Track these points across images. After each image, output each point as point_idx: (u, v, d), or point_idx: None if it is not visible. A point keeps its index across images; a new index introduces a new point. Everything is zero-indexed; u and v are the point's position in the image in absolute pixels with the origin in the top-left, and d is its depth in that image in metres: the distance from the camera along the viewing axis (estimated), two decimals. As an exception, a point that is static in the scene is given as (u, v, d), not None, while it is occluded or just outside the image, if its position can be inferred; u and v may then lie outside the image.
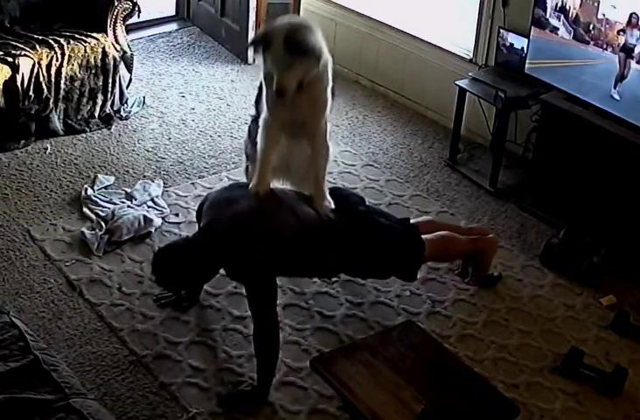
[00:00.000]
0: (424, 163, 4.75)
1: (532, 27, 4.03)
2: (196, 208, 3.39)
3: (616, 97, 3.70)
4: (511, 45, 4.39)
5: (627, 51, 3.59)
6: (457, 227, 3.82)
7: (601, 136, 3.84)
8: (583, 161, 3.97)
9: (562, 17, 3.85)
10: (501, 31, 4.45)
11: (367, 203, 3.55)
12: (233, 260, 3.03)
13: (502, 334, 3.50)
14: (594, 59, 3.77)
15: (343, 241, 3.21)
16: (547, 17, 3.92)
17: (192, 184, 4.36)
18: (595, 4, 3.68)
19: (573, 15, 3.80)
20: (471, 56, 4.83)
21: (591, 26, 3.73)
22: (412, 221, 3.57)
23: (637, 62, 3.58)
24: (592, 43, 3.74)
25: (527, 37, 4.15)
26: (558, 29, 3.90)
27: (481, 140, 4.88)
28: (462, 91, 4.52)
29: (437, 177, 4.62)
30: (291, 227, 3.08)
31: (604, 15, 3.66)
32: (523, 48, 4.24)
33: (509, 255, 3.97)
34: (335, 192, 3.46)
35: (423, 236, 3.42)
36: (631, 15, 3.54)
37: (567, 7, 3.82)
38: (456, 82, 4.53)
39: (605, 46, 3.69)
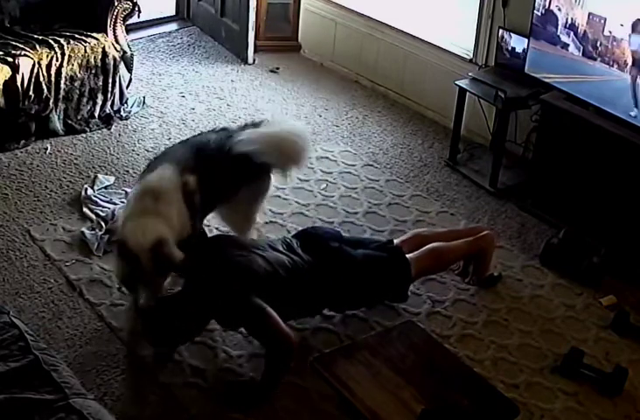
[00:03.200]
0: (424, 163, 4.75)
1: (543, 42, 4.03)
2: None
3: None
4: (513, 48, 4.39)
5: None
6: (451, 233, 3.78)
7: (601, 136, 3.84)
8: (583, 161, 3.97)
9: (572, 34, 3.85)
10: (501, 31, 4.45)
11: (343, 236, 3.52)
12: (222, 311, 3.05)
13: (502, 334, 3.50)
14: (602, 75, 3.76)
15: (320, 281, 3.21)
16: (558, 33, 3.92)
17: (192, 184, 4.35)
18: (602, 22, 3.69)
19: (582, 32, 3.80)
20: (471, 56, 4.83)
21: (598, 43, 3.73)
22: (396, 241, 3.55)
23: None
24: (599, 59, 3.74)
25: (527, 37, 4.15)
26: (568, 45, 3.89)
27: (481, 140, 4.88)
28: (462, 91, 4.52)
29: (437, 177, 4.62)
30: (266, 272, 3.08)
31: (610, 32, 3.67)
32: (523, 49, 4.25)
33: (509, 255, 3.97)
34: (307, 232, 3.47)
35: (408, 255, 3.41)
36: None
37: (576, 24, 3.82)
38: (456, 82, 4.53)
39: (612, 63, 3.69)
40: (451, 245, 3.57)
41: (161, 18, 6.30)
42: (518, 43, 4.35)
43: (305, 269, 3.21)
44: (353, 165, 4.65)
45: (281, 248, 3.27)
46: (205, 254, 3.12)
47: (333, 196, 4.35)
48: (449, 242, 3.58)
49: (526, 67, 4.17)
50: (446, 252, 3.55)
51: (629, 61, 3.61)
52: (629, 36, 3.58)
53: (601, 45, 3.72)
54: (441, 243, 3.54)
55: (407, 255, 3.41)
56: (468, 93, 4.52)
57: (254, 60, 5.80)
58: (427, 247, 3.49)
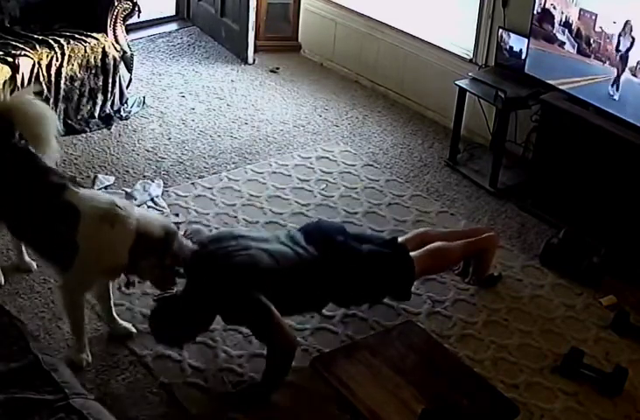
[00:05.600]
0: (424, 163, 4.75)
1: (542, 41, 4.04)
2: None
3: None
4: (512, 48, 4.39)
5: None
6: (453, 233, 3.79)
7: (601, 136, 3.84)
8: (583, 161, 3.97)
9: (567, 32, 3.86)
10: (501, 31, 4.45)
11: (348, 231, 3.50)
12: (227, 308, 3.05)
13: (502, 334, 3.50)
14: (601, 74, 3.77)
15: (325, 274, 3.20)
16: (554, 31, 3.93)
17: (192, 184, 4.36)
18: (593, 17, 3.71)
19: (575, 29, 3.82)
20: (471, 56, 4.83)
21: (591, 40, 3.75)
22: (400, 239, 3.55)
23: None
24: (593, 56, 3.75)
25: (527, 37, 4.15)
26: (564, 43, 3.90)
27: (481, 140, 4.88)
28: (462, 91, 4.52)
29: (437, 177, 4.62)
30: (271, 267, 3.07)
31: (602, 28, 3.68)
32: (523, 49, 4.25)
33: (509, 255, 3.97)
34: (313, 226, 3.47)
35: (412, 253, 3.40)
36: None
37: (570, 21, 3.83)
38: (456, 82, 4.53)
39: (604, 60, 3.71)
40: (454, 245, 3.57)
41: (161, 18, 6.30)
42: (517, 43, 4.35)
43: (310, 261, 3.19)
44: (353, 165, 4.65)
45: (285, 241, 3.25)
46: (207, 251, 3.11)
47: (333, 196, 4.35)
48: (452, 242, 3.58)
49: (526, 67, 4.18)
50: (448, 252, 3.54)
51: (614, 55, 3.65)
52: (619, 35, 3.61)
53: (594, 41, 3.73)
54: (443, 243, 3.54)
55: (411, 254, 3.41)
56: (468, 93, 4.52)
57: (254, 60, 5.80)
58: (429, 246, 3.49)
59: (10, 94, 3.27)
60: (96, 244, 2.93)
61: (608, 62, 3.71)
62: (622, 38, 3.60)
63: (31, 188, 3.07)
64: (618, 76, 3.67)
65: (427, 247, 3.48)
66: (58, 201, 2.99)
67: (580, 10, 3.78)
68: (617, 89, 3.69)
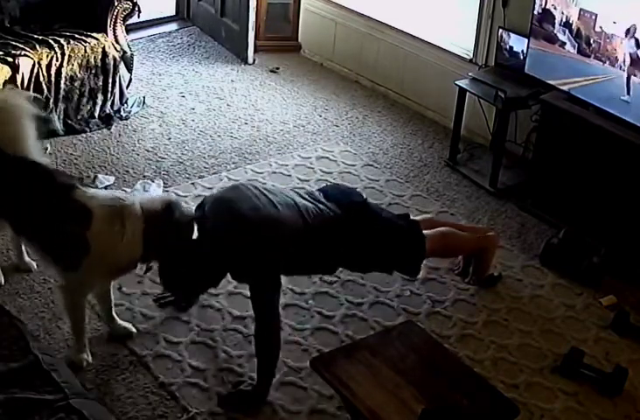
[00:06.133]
0: (424, 163, 4.75)
1: (543, 41, 4.03)
2: (194, 210, 3.37)
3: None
4: (512, 48, 4.39)
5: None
6: (458, 225, 3.82)
7: (601, 136, 3.84)
8: (583, 161, 3.97)
9: (567, 32, 3.86)
10: (501, 31, 4.45)
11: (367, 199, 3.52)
12: (238, 259, 3.00)
13: (502, 334, 3.50)
14: (601, 75, 3.78)
15: (344, 232, 3.19)
16: (555, 31, 3.93)
17: (192, 184, 4.36)
18: (593, 17, 3.71)
19: (576, 29, 3.82)
20: (471, 56, 4.83)
21: (591, 40, 3.75)
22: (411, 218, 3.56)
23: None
24: (593, 56, 3.75)
25: (527, 37, 4.15)
26: (565, 43, 3.90)
27: (481, 140, 4.88)
28: (462, 91, 4.52)
29: (437, 177, 4.62)
30: (294, 223, 3.06)
31: (602, 28, 3.68)
32: (523, 49, 4.25)
33: (509, 255, 3.97)
34: (331, 186, 3.47)
35: (424, 232, 3.42)
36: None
37: (571, 21, 3.83)
38: (456, 82, 4.53)
39: (605, 60, 3.70)
40: (462, 234, 3.60)
41: (161, 18, 6.30)
42: (517, 43, 4.35)
43: (332, 217, 3.18)
44: (353, 165, 4.65)
45: (307, 197, 3.24)
46: (228, 198, 3.09)
47: (333, 196, 4.35)
48: (460, 231, 3.60)
49: (526, 67, 4.18)
50: (456, 238, 3.57)
51: (622, 58, 3.63)
52: (623, 40, 3.60)
53: (594, 41, 3.74)
54: (452, 229, 3.56)
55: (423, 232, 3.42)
56: (468, 93, 4.52)
57: (254, 60, 5.80)
58: (439, 229, 3.52)
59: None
60: (110, 242, 2.94)
61: (608, 62, 3.71)
62: (629, 41, 3.59)
63: (40, 189, 3.07)
64: (628, 79, 3.66)
65: (438, 229, 3.50)
66: (68, 201, 2.99)
67: (581, 10, 3.78)
68: (629, 92, 3.68)
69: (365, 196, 3.52)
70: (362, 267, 3.42)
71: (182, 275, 3.01)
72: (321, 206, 3.20)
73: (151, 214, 2.97)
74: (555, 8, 3.90)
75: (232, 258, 3.00)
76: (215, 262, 3.00)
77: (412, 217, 3.58)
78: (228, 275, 3.15)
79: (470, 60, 4.83)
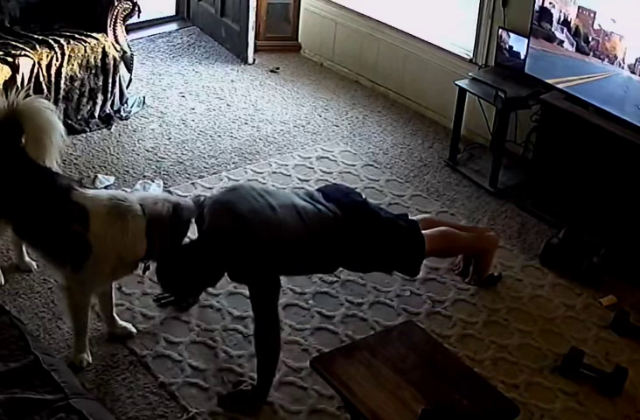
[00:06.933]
0: (424, 163, 4.75)
1: (541, 40, 4.03)
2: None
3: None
4: (512, 48, 4.39)
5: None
6: (457, 225, 3.82)
7: (601, 136, 3.84)
8: (583, 161, 3.97)
9: (565, 30, 3.86)
10: (501, 31, 4.45)
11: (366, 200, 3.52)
12: (237, 261, 3.00)
13: (502, 334, 3.50)
14: (600, 73, 3.77)
15: (344, 232, 3.19)
16: (553, 30, 3.93)
17: (192, 184, 4.36)
18: (592, 15, 3.71)
19: (574, 27, 3.82)
20: (471, 56, 4.83)
21: (590, 38, 3.75)
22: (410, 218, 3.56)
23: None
24: (592, 54, 3.76)
25: (527, 37, 4.15)
26: (563, 42, 3.91)
27: (481, 140, 4.88)
28: (462, 91, 4.52)
29: (437, 177, 4.62)
30: (292, 225, 3.06)
31: (600, 26, 3.69)
32: (523, 49, 4.24)
33: (509, 255, 3.97)
34: (332, 187, 3.47)
35: (423, 231, 3.41)
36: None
37: (569, 19, 3.83)
38: (456, 82, 4.53)
39: (603, 57, 3.71)
40: (461, 233, 3.60)
41: (161, 18, 6.30)
42: (517, 43, 4.35)
43: (332, 217, 3.18)
44: (353, 165, 4.65)
45: (305, 197, 3.24)
46: (227, 199, 3.08)
47: (333, 196, 4.35)
48: (459, 231, 3.60)
49: (526, 67, 4.18)
50: (456, 238, 3.57)
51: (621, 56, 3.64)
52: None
53: (592, 39, 3.74)
54: (451, 229, 3.56)
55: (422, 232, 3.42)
56: (468, 93, 4.52)
57: (254, 60, 5.80)
58: (440, 227, 3.52)
59: (16, 96, 3.26)
60: (111, 242, 2.95)
61: (607, 60, 3.71)
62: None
63: (39, 191, 3.08)
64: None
65: (437, 228, 3.50)
66: (66, 203, 3.00)
67: (579, 7, 3.77)
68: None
69: (364, 196, 3.52)
70: (362, 267, 3.42)
71: (179, 274, 3.00)
72: (320, 206, 3.20)
73: (153, 213, 2.97)
74: (554, 6, 3.90)
75: (230, 259, 2.99)
76: (213, 262, 3.00)
77: (411, 217, 3.58)
78: (226, 275, 3.15)
79: (470, 60, 4.83)
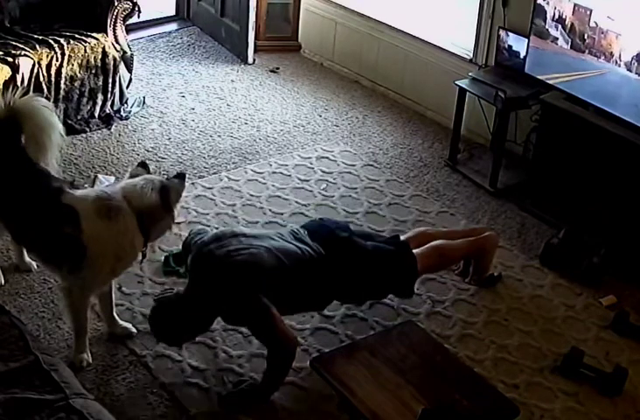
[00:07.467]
0: (424, 163, 4.75)
1: (534, 37, 4.04)
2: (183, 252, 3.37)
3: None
4: (511, 48, 4.39)
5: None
6: (453, 232, 3.80)
7: (601, 136, 3.84)
8: (583, 161, 3.97)
9: (560, 27, 3.87)
10: (501, 31, 4.45)
11: (351, 228, 3.49)
12: (224, 306, 3.02)
13: (502, 334, 3.50)
14: (596, 69, 3.77)
15: (330, 271, 3.19)
16: (547, 27, 3.93)
17: (192, 184, 4.35)
18: (588, 13, 3.71)
19: (569, 24, 3.82)
20: (471, 56, 4.83)
21: (585, 35, 3.75)
22: (402, 237, 3.54)
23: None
24: (587, 52, 3.76)
25: (527, 37, 4.16)
26: (557, 39, 3.91)
27: (481, 140, 4.88)
28: (462, 91, 4.52)
29: (437, 177, 4.62)
30: (272, 266, 3.05)
31: (596, 23, 3.69)
32: (523, 49, 4.25)
33: (509, 255, 3.97)
34: (317, 223, 3.46)
35: (414, 251, 3.40)
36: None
37: (564, 16, 3.84)
38: (456, 82, 4.53)
39: (599, 55, 3.71)
40: (454, 243, 3.57)
41: (161, 18, 6.30)
42: (517, 43, 4.35)
43: (315, 258, 3.18)
44: (353, 165, 4.65)
45: (288, 238, 3.23)
46: (208, 250, 3.08)
47: (333, 196, 4.35)
48: (452, 241, 3.58)
49: (526, 67, 4.18)
50: (449, 250, 3.55)
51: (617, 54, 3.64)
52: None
53: (588, 37, 3.74)
54: (444, 241, 3.54)
55: (413, 251, 3.41)
56: (468, 93, 4.52)
57: (254, 60, 5.80)
58: (431, 244, 3.49)
59: (13, 95, 3.25)
60: (107, 242, 2.94)
61: (602, 57, 3.70)
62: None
63: (31, 194, 3.07)
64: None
65: (429, 244, 3.48)
66: (56, 205, 2.99)
67: (575, 5, 3.77)
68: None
69: (350, 228, 3.47)
70: (355, 299, 3.43)
71: (172, 326, 3.02)
72: (303, 246, 3.19)
73: (141, 206, 2.96)
74: (548, 3, 3.90)
75: (217, 304, 3.01)
76: (202, 310, 3.02)
77: (403, 236, 3.56)
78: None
79: (470, 60, 4.83)
